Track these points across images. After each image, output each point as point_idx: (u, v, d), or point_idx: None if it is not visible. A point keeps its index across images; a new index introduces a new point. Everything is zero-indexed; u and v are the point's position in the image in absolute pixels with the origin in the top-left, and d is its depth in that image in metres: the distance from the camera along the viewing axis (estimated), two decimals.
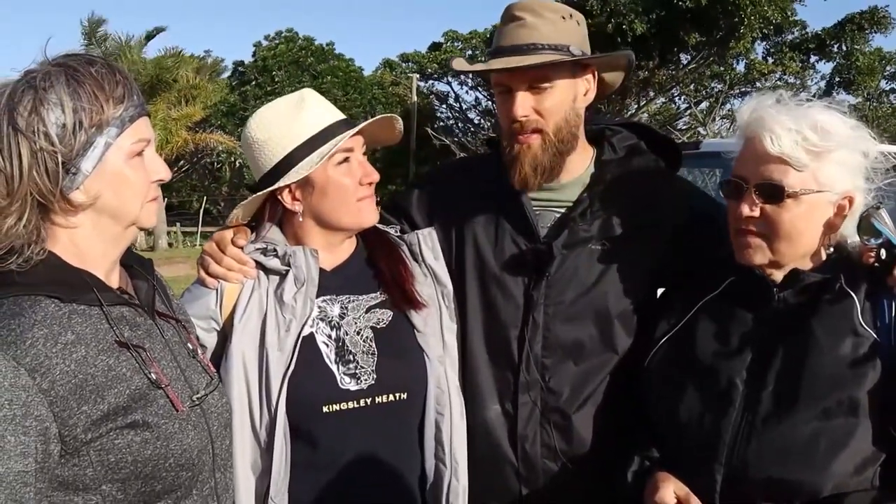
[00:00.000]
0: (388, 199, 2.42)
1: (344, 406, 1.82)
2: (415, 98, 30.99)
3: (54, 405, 1.26)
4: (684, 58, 24.84)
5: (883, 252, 1.64)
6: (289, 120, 1.87)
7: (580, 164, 2.10)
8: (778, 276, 1.75)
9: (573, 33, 1.99)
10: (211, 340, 1.85)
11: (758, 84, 24.87)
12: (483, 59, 2.13)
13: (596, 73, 2.06)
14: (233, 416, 1.70)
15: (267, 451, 1.77)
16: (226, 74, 36.69)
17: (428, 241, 2.06)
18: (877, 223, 1.66)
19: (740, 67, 25.39)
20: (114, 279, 1.49)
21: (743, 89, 25.67)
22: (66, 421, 1.27)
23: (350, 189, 1.89)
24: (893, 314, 1.63)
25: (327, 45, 34.68)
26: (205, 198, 35.33)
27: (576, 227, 2.03)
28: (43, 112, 1.31)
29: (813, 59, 26.13)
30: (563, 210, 2.07)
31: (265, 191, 1.88)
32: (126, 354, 1.39)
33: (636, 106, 26.02)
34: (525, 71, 1.93)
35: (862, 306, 1.66)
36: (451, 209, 2.15)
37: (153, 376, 1.41)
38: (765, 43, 24.92)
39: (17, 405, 1.22)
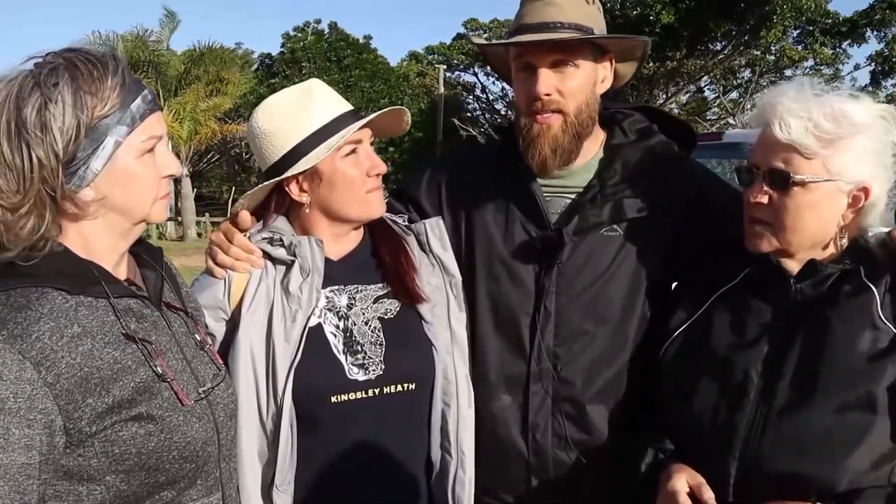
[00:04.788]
0: (395, 186, 2.42)
1: (352, 396, 1.83)
2: (441, 89, 31.03)
3: (59, 398, 1.28)
4: (713, 47, 24.60)
5: None
6: (296, 111, 1.86)
7: (591, 148, 2.09)
8: (794, 266, 1.72)
9: (595, 17, 2.00)
10: (220, 329, 1.85)
11: (787, 72, 24.52)
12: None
13: (613, 61, 2.06)
14: (240, 406, 1.72)
15: (273, 441, 1.78)
16: (255, 67, 37.02)
17: (436, 231, 2.05)
18: None
19: (770, 57, 25.03)
20: (121, 270, 1.51)
21: (772, 78, 25.35)
22: (71, 414, 1.29)
23: (357, 180, 1.89)
24: None
25: (364, 37, 34.93)
26: (234, 188, 35.65)
27: (586, 213, 2.01)
28: (49, 112, 1.32)
29: (845, 44, 25.62)
30: (573, 196, 2.06)
31: (272, 181, 1.88)
32: (132, 347, 1.40)
33: (664, 96, 25.81)
34: (551, 48, 1.92)
35: (882, 299, 1.63)
36: (461, 196, 2.15)
37: (158, 369, 1.42)
38: (797, 31, 24.55)
39: (21, 398, 1.24)
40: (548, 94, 1.94)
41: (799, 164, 1.63)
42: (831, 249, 1.72)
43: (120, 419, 1.34)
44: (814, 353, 1.63)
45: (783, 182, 1.64)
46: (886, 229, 1.70)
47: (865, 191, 1.64)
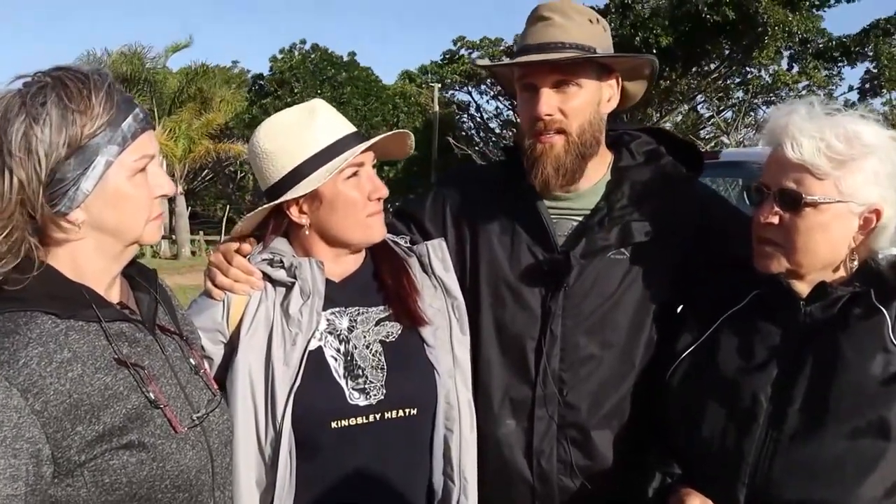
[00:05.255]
0: (398, 206, 2.38)
1: (353, 421, 1.78)
2: (436, 108, 31.07)
3: (47, 426, 1.23)
4: (708, 66, 24.77)
5: None
6: (299, 131, 1.82)
7: (598, 170, 2.05)
8: (803, 288, 1.68)
9: (600, 37, 1.98)
10: (218, 353, 1.81)
11: (781, 93, 24.69)
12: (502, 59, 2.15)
13: (620, 80, 2.04)
14: (238, 431, 1.67)
15: (272, 467, 1.73)
16: (248, 89, 37.12)
17: (438, 253, 2.01)
18: None
19: (766, 77, 25.21)
20: (114, 293, 1.46)
21: (766, 98, 25.50)
22: (59, 442, 1.24)
23: (359, 204, 1.85)
24: None
25: (349, 54, 34.99)
26: (228, 206, 35.58)
27: (594, 236, 1.98)
28: (34, 133, 1.28)
29: (839, 66, 25.92)
30: (580, 218, 2.02)
31: (270, 204, 1.83)
32: (124, 372, 1.35)
33: (658, 115, 25.92)
34: (552, 68, 1.91)
35: (893, 322, 1.59)
36: (466, 217, 2.11)
37: (151, 395, 1.38)
38: (789, 52, 24.78)
39: (7, 427, 1.19)
40: (549, 115, 1.92)
41: (810, 185, 1.60)
42: (841, 272, 1.68)
43: (111, 447, 1.29)
44: (824, 377, 1.59)
45: (794, 203, 1.61)
46: None
47: (877, 213, 1.61)
